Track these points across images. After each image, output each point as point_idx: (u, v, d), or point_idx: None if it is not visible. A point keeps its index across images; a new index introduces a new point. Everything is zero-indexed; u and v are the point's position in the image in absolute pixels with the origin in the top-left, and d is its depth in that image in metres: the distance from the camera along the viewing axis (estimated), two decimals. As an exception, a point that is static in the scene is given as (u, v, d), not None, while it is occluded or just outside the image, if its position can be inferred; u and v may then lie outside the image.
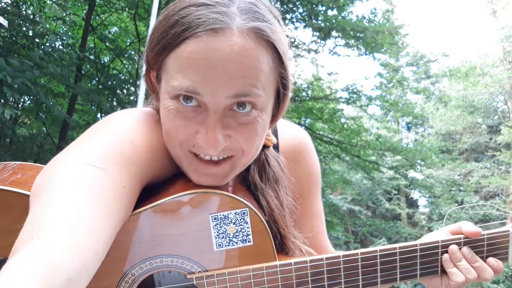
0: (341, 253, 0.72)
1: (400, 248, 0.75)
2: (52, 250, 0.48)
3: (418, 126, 23.34)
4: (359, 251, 0.73)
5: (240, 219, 0.67)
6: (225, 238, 0.67)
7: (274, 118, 0.73)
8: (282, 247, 0.75)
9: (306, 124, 11.69)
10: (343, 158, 11.79)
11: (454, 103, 19.66)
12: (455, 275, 0.75)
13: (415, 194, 19.56)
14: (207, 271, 0.68)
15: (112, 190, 0.58)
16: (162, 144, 0.70)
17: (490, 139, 19.34)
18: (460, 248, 0.77)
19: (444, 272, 0.77)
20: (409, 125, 23.55)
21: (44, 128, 9.40)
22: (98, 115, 10.48)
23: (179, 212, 0.66)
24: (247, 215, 0.67)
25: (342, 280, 0.71)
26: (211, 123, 0.62)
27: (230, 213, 0.67)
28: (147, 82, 0.75)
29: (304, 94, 11.16)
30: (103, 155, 0.61)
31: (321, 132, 11.60)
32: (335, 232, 12.17)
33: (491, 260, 0.78)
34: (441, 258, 0.76)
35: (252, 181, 0.78)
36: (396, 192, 19.06)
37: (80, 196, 0.54)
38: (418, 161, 11.70)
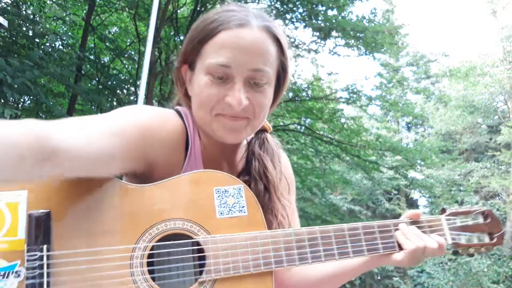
0: (317, 227, 0.89)
1: (363, 225, 0.93)
2: (51, 126, 0.66)
3: (418, 126, 23.33)
4: (332, 226, 0.90)
5: (237, 194, 0.85)
6: (226, 207, 0.84)
7: (276, 97, 0.96)
8: (270, 201, 0.95)
9: (306, 124, 11.68)
10: (343, 158, 11.78)
11: (454, 103, 19.64)
12: (407, 243, 0.93)
13: (415, 194, 19.57)
14: (211, 234, 0.82)
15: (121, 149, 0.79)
16: (176, 136, 0.91)
17: (490, 139, 19.34)
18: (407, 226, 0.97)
19: (401, 248, 0.94)
20: (409, 125, 23.54)
21: (44, 128, 9.39)
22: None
23: (189, 185, 0.84)
24: (242, 190, 0.86)
25: (321, 248, 0.87)
26: (237, 88, 0.85)
27: (229, 187, 0.85)
28: (176, 76, 0.97)
29: (304, 94, 11.14)
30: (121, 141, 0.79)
31: (321, 132, 11.58)
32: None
33: (434, 235, 0.97)
34: (395, 234, 0.95)
35: (251, 150, 1.00)
36: (396, 192, 19.07)
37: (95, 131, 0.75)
38: (418, 161, 11.69)
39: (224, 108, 0.86)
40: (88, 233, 0.76)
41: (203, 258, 0.81)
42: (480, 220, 1.02)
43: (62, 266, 0.73)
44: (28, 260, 0.71)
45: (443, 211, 1.02)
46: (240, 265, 0.81)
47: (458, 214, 1.01)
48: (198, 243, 0.81)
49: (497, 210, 12.08)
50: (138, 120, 0.84)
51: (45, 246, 0.72)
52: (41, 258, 0.71)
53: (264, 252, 0.83)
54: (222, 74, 0.85)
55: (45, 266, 0.71)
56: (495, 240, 1.00)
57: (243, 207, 0.85)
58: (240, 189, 0.86)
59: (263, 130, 1.03)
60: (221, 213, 0.83)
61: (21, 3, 7.72)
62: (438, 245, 0.94)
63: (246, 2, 10.58)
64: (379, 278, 20.49)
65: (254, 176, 0.96)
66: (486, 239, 1.00)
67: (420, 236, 0.94)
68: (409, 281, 16.76)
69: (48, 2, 9.27)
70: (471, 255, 1.02)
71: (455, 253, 1.01)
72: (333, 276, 1.02)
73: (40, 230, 0.72)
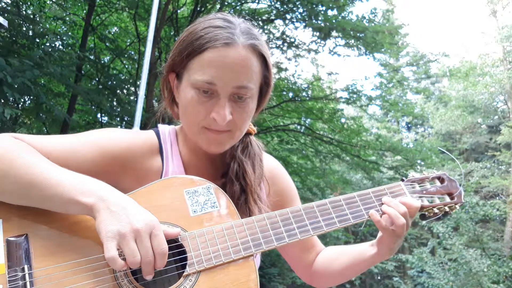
0: (287, 209, 0.94)
1: (329, 200, 0.98)
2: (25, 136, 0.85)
3: (418, 126, 23.35)
4: (301, 205, 0.95)
5: (207, 192, 0.91)
6: (198, 205, 0.89)
7: (258, 107, 1.02)
8: (246, 203, 0.99)
9: (306, 124, 11.68)
10: (343, 158, 11.78)
11: (454, 103, 19.65)
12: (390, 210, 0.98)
13: (415, 194, 19.51)
14: (188, 231, 0.85)
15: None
16: (141, 146, 0.99)
17: (490, 139, 19.34)
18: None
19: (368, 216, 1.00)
20: (409, 125, 23.55)
21: (44, 128, 9.40)
22: (98, 115, 10.48)
23: (161, 191, 0.89)
24: (211, 188, 0.91)
25: (294, 225, 0.91)
26: (222, 104, 0.90)
27: (198, 187, 0.91)
28: (164, 83, 1.02)
29: (304, 94, 11.14)
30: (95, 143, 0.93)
31: (321, 132, 11.58)
32: (335, 232, 12.17)
33: (404, 197, 1.02)
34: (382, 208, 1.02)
35: (233, 153, 1.04)
36: (396, 192, 18.99)
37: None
38: (418, 161, 11.69)
39: (210, 123, 0.92)
40: (66, 249, 0.79)
41: (184, 254, 0.83)
42: (438, 184, 1.07)
43: (45, 282, 0.75)
44: (10, 281, 0.72)
45: (401, 180, 1.07)
46: (221, 253, 0.84)
47: (416, 181, 1.05)
48: (176, 241, 0.83)
49: (497, 210, 12.06)
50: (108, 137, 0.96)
51: (26, 266, 0.74)
52: (23, 277, 0.73)
53: (241, 238, 0.87)
54: (208, 89, 0.90)
55: (28, 284, 0.73)
56: (455, 198, 1.05)
57: (214, 202, 0.90)
58: (209, 187, 0.91)
59: (247, 133, 1.07)
60: (195, 211, 0.88)
61: (21, 3, 7.72)
62: (410, 204, 0.97)
63: (246, 3, 10.58)
64: (379, 278, 20.49)
65: (231, 177, 1.01)
66: (447, 199, 1.05)
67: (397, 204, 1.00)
68: (409, 281, 16.76)
69: (48, 2, 9.27)
70: (439, 218, 1.05)
71: (423, 216, 1.04)
72: (351, 266, 1.08)
73: (20, 252, 0.75)
